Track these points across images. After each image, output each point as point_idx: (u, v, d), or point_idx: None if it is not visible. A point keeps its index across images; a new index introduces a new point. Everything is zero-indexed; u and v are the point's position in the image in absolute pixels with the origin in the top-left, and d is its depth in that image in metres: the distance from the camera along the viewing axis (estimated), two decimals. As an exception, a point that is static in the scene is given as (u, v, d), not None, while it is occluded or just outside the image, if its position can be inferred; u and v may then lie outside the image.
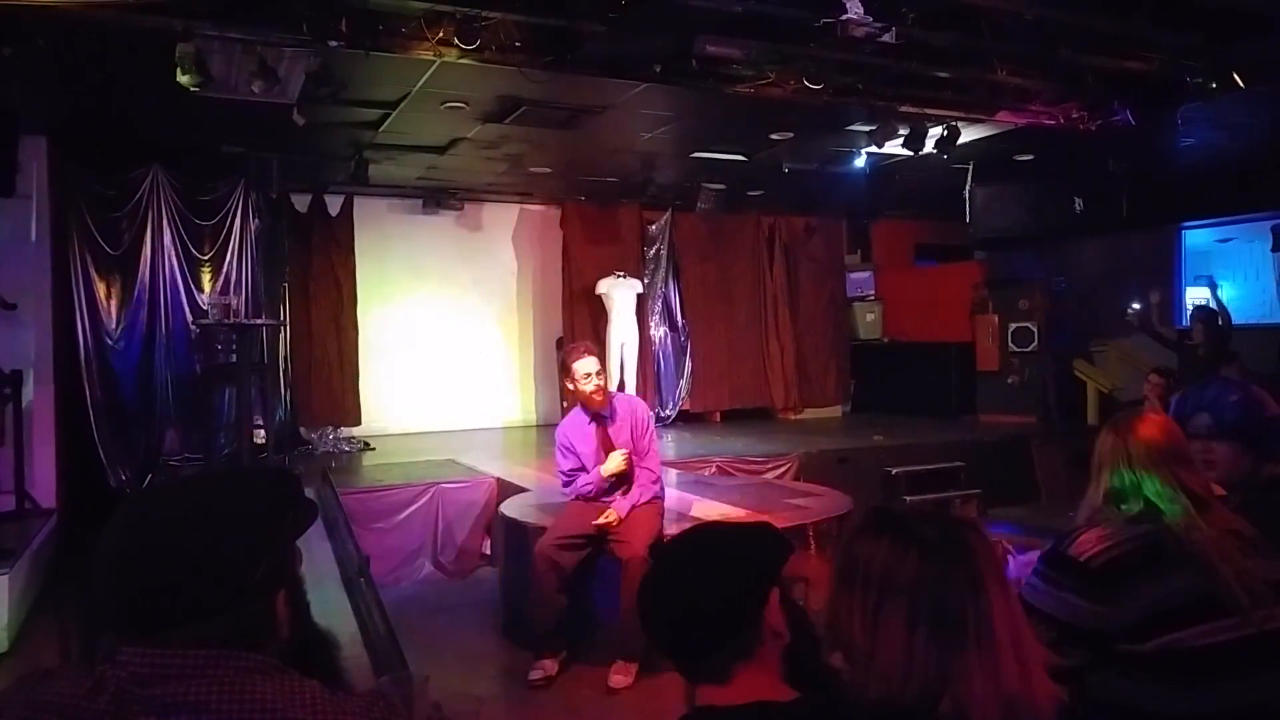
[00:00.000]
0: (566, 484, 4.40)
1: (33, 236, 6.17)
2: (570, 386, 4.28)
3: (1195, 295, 10.69)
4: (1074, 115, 6.51)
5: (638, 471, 4.27)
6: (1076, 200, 8.16)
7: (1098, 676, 1.63)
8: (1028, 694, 1.12)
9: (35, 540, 5.11)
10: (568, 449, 4.34)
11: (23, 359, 5.88)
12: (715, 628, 1.21)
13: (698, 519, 4.70)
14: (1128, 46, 5.69)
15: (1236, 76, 5.65)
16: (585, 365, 4.20)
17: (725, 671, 1.21)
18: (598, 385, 4.19)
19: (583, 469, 4.32)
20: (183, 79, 4.59)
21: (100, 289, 7.18)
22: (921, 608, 1.12)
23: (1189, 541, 1.62)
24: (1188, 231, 10.26)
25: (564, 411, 9.52)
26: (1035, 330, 9.67)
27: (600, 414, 4.28)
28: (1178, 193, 9.17)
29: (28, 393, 5.84)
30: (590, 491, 4.29)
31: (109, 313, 7.24)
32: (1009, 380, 9.82)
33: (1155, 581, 1.61)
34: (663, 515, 4.36)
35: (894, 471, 7.47)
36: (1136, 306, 8.37)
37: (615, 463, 4.20)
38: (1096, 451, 1.82)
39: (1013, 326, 9.81)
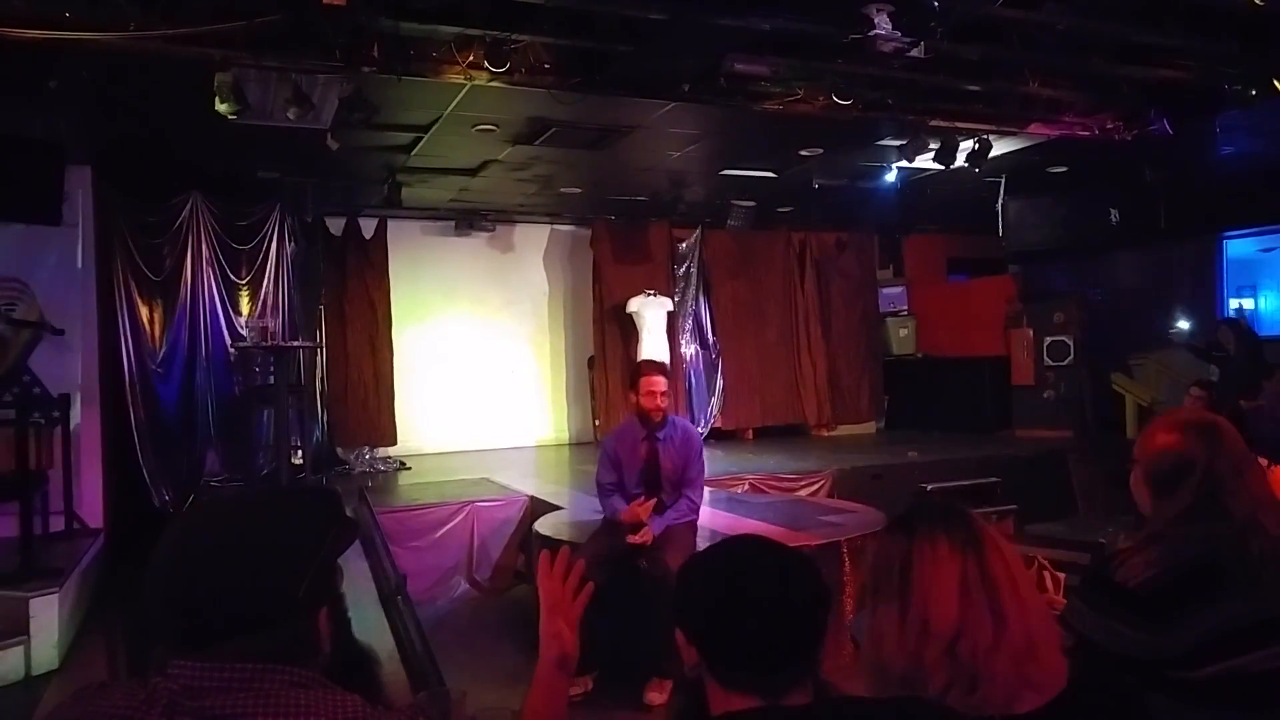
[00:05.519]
0: (602, 495, 4.42)
1: (79, 264, 6.33)
2: (634, 399, 4.37)
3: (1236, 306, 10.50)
4: (1108, 126, 6.43)
5: (680, 499, 4.31)
6: (1112, 211, 8.04)
7: (1150, 701, 1.56)
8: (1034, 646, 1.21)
9: (84, 559, 5.21)
10: (612, 459, 4.38)
11: (70, 383, 5.99)
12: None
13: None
14: (1162, 55, 5.61)
15: (1278, 84, 5.54)
16: (653, 382, 4.31)
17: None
18: (659, 405, 4.28)
19: (619, 483, 4.34)
20: (221, 107, 4.74)
21: (143, 313, 7.35)
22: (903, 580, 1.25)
23: (1255, 560, 1.55)
24: (1229, 241, 10.03)
25: (596, 430, 9.68)
26: (1071, 344, 9.52)
27: (655, 432, 4.33)
28: (1218, 201, 8.97)
29: (75, 416, 5.95)
30: (615, 518, 4.31)
31: (152, 337, 7.40)
32: (1045, 394, 9.66)
33: (1211, 607, 1.54)
34: (696, 534, 4.36)
35: (929, 488, 7.36)
36: (1182, 326, 8.26)
37: (639, 516, 4.19)
38: (1180, 457, 1.69)
39: (1048, 340, 9.66)
